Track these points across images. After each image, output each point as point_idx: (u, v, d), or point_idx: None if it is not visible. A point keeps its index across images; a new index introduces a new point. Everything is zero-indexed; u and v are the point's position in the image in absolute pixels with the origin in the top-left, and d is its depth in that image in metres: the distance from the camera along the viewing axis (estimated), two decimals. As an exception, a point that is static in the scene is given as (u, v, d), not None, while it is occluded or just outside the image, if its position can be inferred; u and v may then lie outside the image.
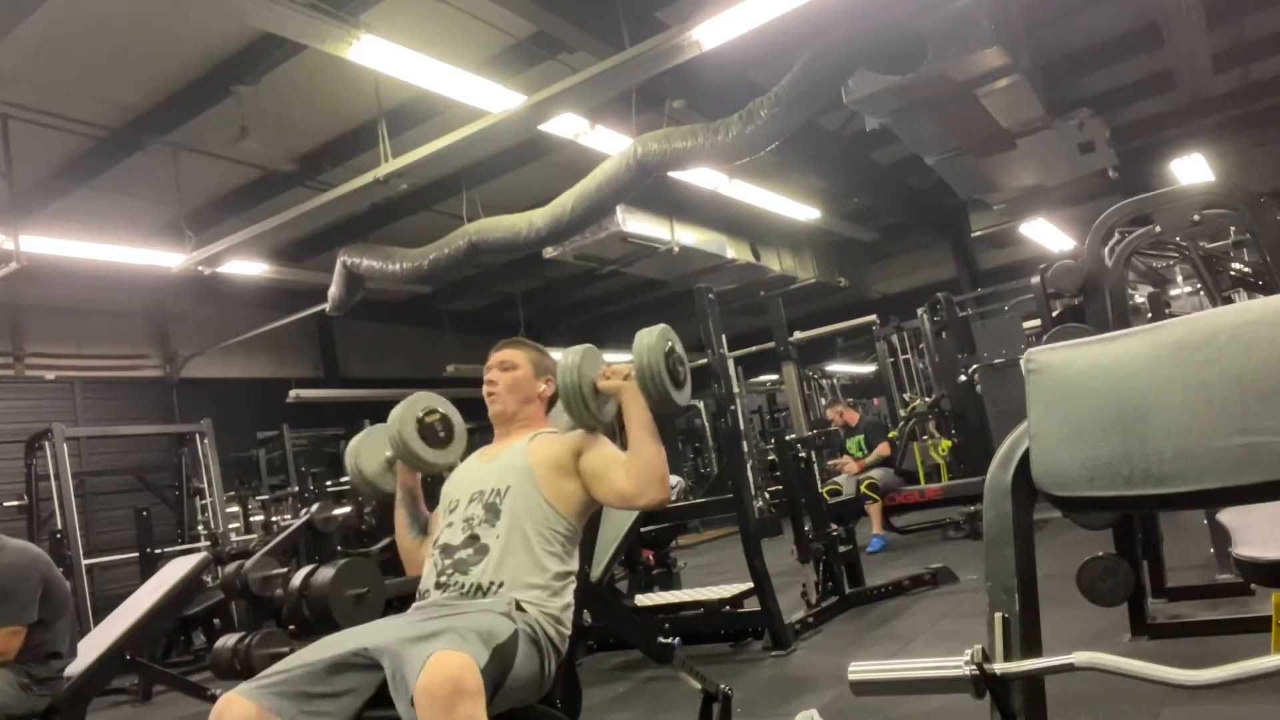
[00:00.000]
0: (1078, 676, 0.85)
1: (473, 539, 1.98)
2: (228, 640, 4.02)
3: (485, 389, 2.31)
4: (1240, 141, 9.96)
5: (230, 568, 4.31)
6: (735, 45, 4.81)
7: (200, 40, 5.72)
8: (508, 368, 2.31)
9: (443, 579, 1.95)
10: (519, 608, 1.85)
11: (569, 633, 1.96)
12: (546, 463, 2.10)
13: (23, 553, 3.13)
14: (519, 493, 2.03)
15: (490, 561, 1.94)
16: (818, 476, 5.49)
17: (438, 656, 1.55)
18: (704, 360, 5.07)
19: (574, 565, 2.05)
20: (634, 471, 2.01)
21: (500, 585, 1.90)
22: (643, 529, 4.86)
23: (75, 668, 3.32)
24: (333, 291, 8.03)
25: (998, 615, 0.92)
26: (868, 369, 14.96)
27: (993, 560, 0.96)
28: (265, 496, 9.56)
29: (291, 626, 3.97)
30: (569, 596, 1.99)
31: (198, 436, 7.89)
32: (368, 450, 2.37)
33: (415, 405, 2.32)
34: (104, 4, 5.20)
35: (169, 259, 7.24)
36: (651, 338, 2.11)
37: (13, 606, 2.99)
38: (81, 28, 5.34)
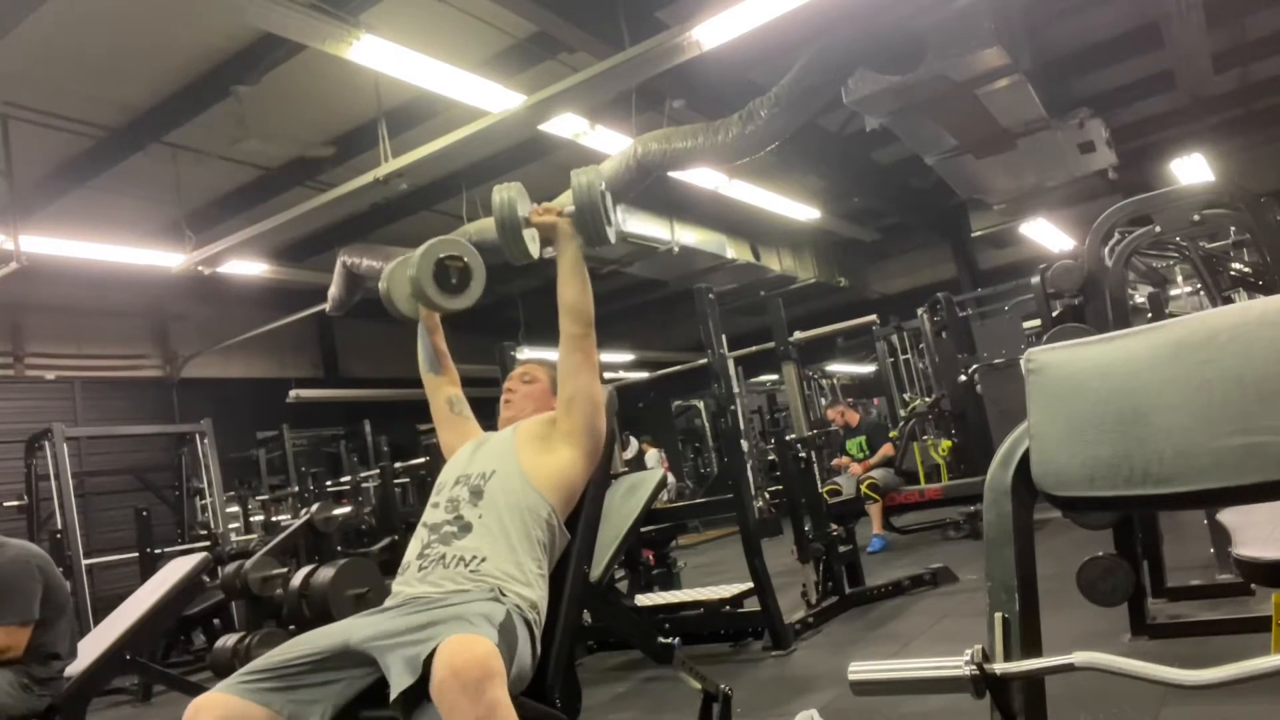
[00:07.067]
0: (1078, 676, 0.85)
1: (457, 517, 2.00)
2: (228, 640, 4.03)
3: (503, 396, 2.39)
4: (1240, 141, 9.96)
5: (230, 568, 4.33)
6: (735, 45, 4.80)
7: (200, 40, 5.72)
8: (528, 380, 2.40)
9: (427, 550, 1.96)
10: (502, 593, 1.84)
11: (543, 621, 1.94)
12: (530, 438, 2.14)
13: (23, 550, 3.15)
14: (502, 475, 2.06)
15: (473, 536, 1.95)
16: (818, 476, 5.49)
17: (455, 641, 1.52)
18: (704, 360, 5.08)
19: (554, 554, 2.05)
20: (565, 311, 2.14)
21: (482, 560, 1.90)
22: (643, 529, 4.86)
23: (75, 668, 3.32)
24: (333, 291, 8.04)
25: (998, 615, 0.92)
26: (868, 369, 14.94)
27: (993, 560, 0.96)
28: (265, 496, 9.56)
29: (291, 626, 3.97)
30: (545, 585, 1.97)
31: (198, 436, 7.88)
32: (399, 278, 2.40)
33: (445, 245, 2.31)
34: (104, 4, 5.21)
35: (169, 259, 7.24)
36: (589, 175, 2.14)
37: (18, 603, 3.00)
38: (81, 28, 5.34)
